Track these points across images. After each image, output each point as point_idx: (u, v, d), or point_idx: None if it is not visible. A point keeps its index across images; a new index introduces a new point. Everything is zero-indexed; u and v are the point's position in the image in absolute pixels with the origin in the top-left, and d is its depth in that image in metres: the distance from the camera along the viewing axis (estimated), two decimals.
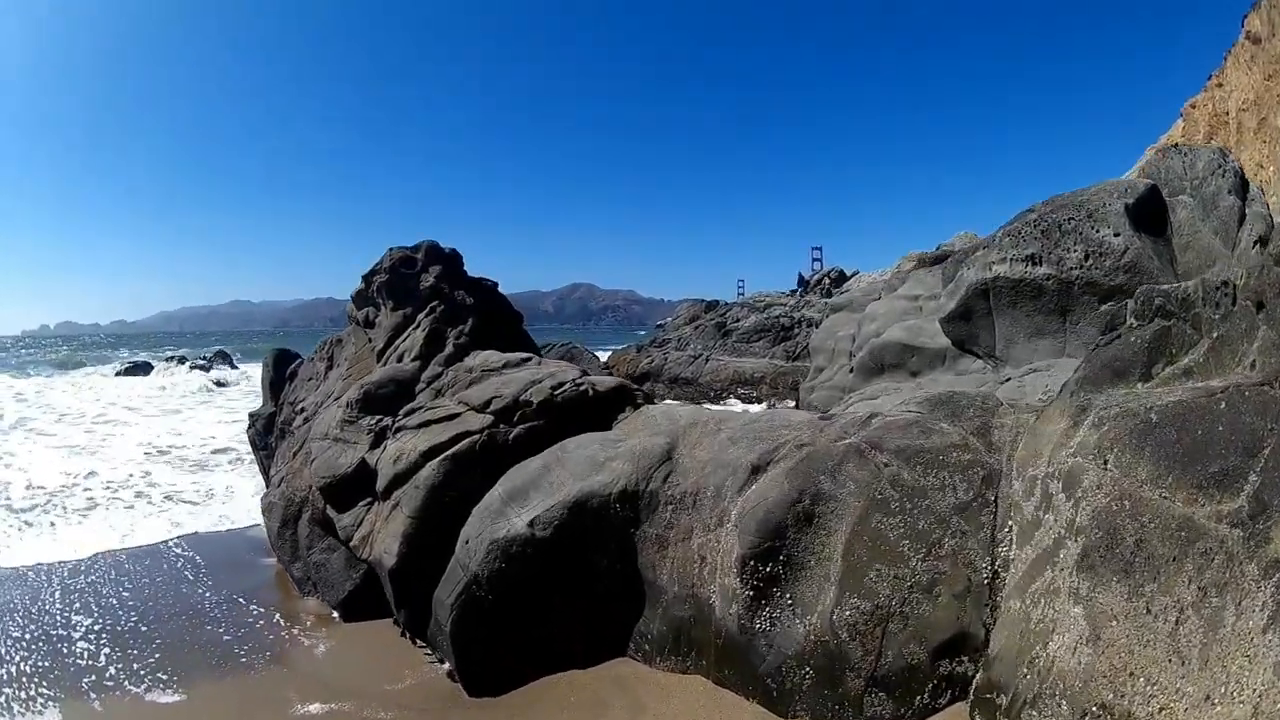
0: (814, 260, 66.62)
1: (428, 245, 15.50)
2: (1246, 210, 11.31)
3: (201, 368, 55.92)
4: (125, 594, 11.39)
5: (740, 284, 75.39)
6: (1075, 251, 10.93)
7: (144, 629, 10.14)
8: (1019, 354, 11.60)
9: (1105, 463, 5.09)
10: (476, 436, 10.37)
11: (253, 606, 11.01)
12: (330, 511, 11.54)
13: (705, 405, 32.97)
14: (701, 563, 7.52)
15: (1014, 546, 5.89)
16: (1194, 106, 29.86)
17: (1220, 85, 27.60)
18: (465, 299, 14.68)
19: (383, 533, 10.18)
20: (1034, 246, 11.27)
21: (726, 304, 52.51)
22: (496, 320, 15.19)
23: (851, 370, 14.83)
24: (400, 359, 14.23)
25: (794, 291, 53.80)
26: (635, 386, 11.64)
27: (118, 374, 55.84)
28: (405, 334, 14.89)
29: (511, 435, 10.47)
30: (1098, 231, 10.87)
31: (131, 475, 18.90)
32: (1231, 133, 26.21)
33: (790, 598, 6.55)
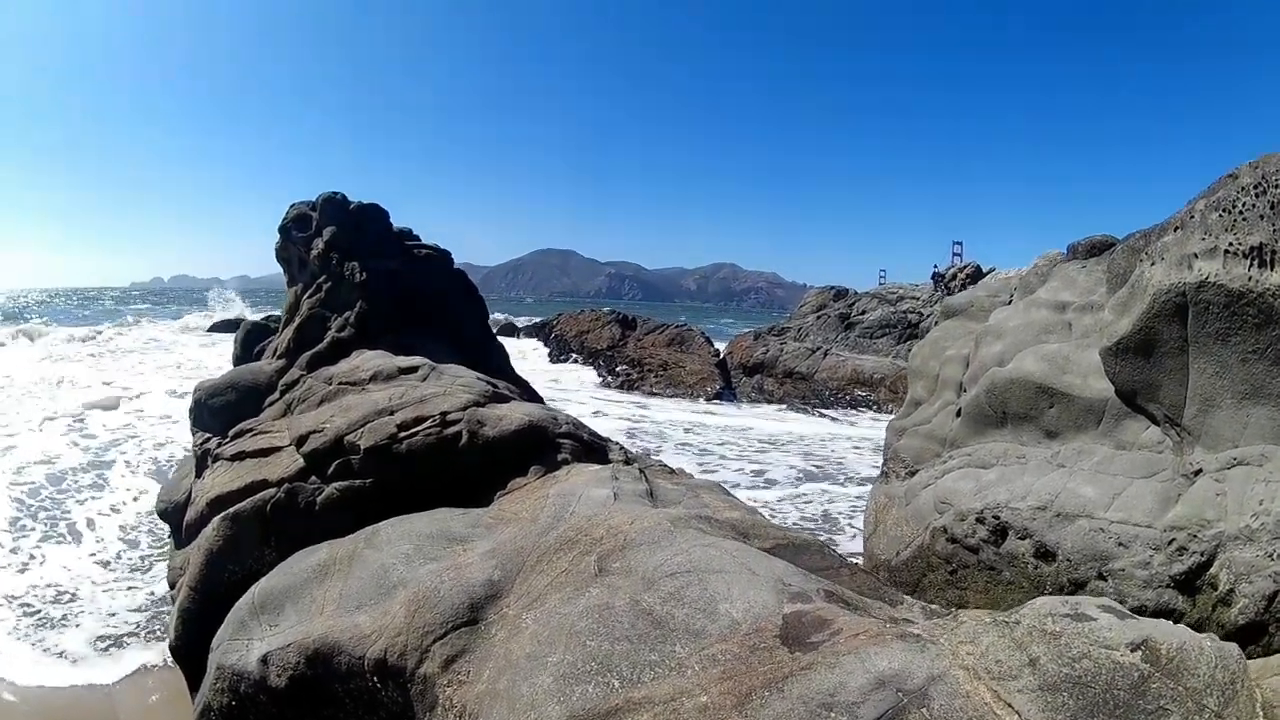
0: (954, 255, 60.02)
1: (324, 199, 11.71)
2: None
3: None
4: None
5: (882, 274, 69.24)
6: None
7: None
8: (1220, 426, 6.44)
9: None
10: (273, 491, 7.17)
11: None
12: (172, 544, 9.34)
13: (803, 412, 28.93)
14: None
15: None
16: None
17: None
18: (357, 274, 10.71)
19: (180, 594, 7.46)
20: (1262, 232, 6.01)
21: (856, 293, 47.27)
22: (421, 304, 11.26)
23: (959, 413, 9.77)
24: (274, 353, 11.05)
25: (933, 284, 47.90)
26: (563, 431, 7.54)
27: (208, 329, 51.63)
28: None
29: (320, 497, 7.02)
30: None
31: None
32: None
33: None
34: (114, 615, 9.27)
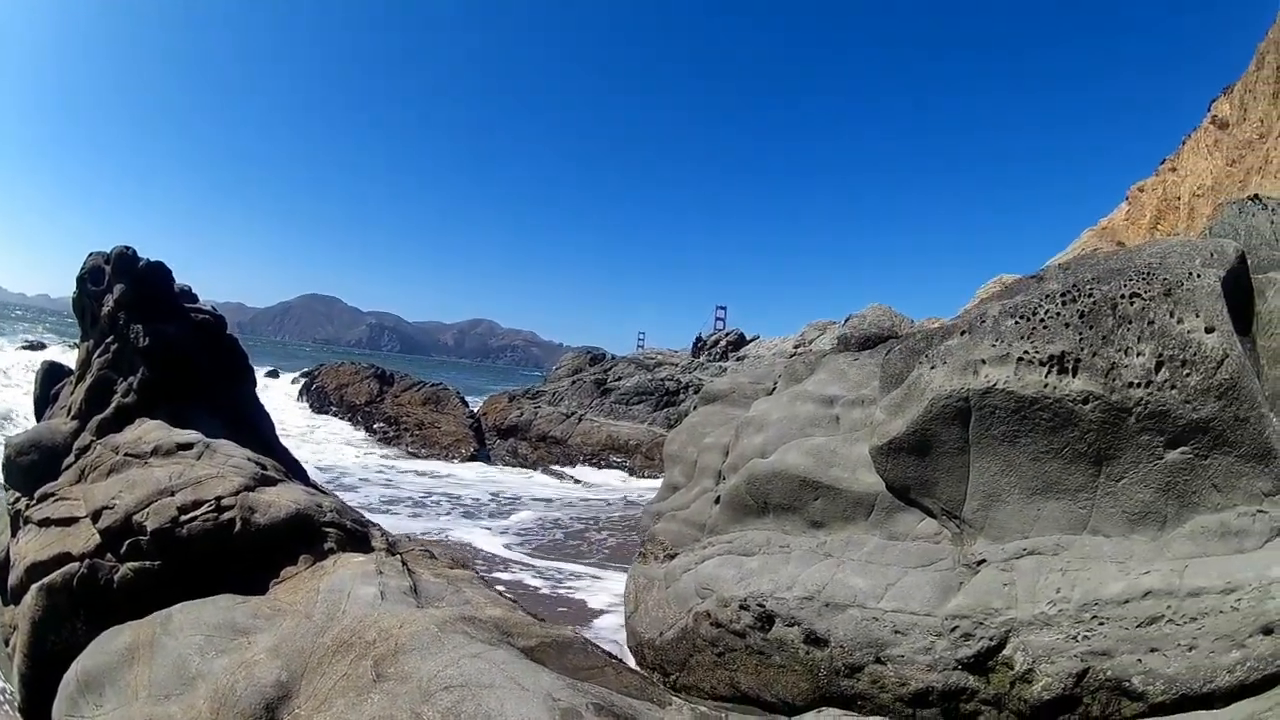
0: (718, 320, 62.85)
1: (117, 254, 11.33)
2: None
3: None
4: None
5: (641, 336, 71.47)
6: (1141, 355, 6.10)
7: None
8: (1006, 519, 6.67)
9: None
10: (77, 566, 7.58)
11: None
12: None
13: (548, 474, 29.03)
14: None
15: None
16: (1141, 190, 28.51)
17: (1174, 170, 26.51)
18: (140, 338, 10.59)
19: (16, 657, 7.84)
20: (1065, 341, 6.34)
21: (614, 358, 47.90)
22: (194, 371, 11.17)
23: (718, 500, 9.61)
24: (69, 411, 10.86)
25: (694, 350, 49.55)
26: (328, 520, 7.88)
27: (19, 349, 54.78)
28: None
29: (116, 577, 7.49)
30: (1181, 322, 6.06)
31: None
32: (1182, 217, 24.71)
33: None
34: None
